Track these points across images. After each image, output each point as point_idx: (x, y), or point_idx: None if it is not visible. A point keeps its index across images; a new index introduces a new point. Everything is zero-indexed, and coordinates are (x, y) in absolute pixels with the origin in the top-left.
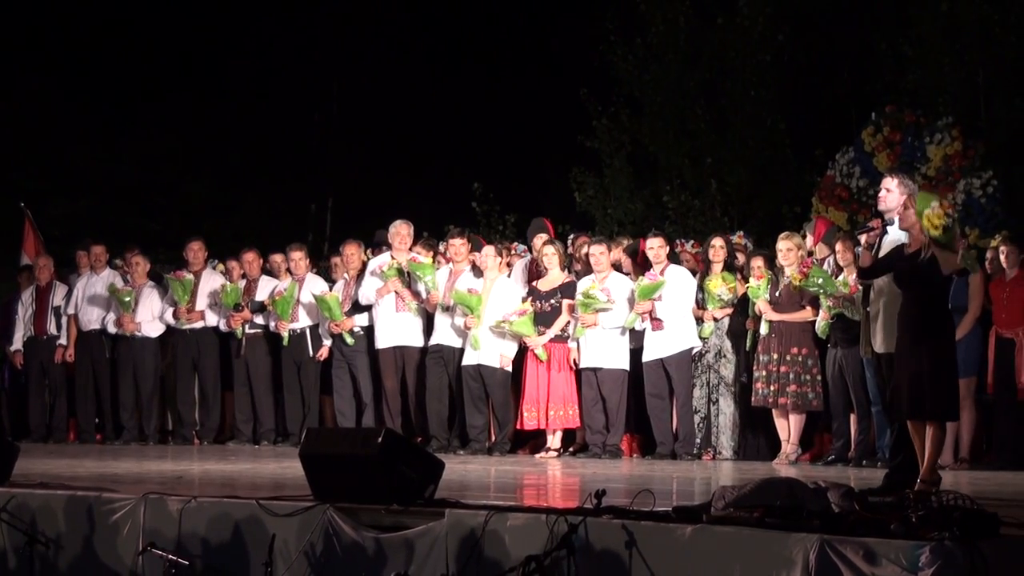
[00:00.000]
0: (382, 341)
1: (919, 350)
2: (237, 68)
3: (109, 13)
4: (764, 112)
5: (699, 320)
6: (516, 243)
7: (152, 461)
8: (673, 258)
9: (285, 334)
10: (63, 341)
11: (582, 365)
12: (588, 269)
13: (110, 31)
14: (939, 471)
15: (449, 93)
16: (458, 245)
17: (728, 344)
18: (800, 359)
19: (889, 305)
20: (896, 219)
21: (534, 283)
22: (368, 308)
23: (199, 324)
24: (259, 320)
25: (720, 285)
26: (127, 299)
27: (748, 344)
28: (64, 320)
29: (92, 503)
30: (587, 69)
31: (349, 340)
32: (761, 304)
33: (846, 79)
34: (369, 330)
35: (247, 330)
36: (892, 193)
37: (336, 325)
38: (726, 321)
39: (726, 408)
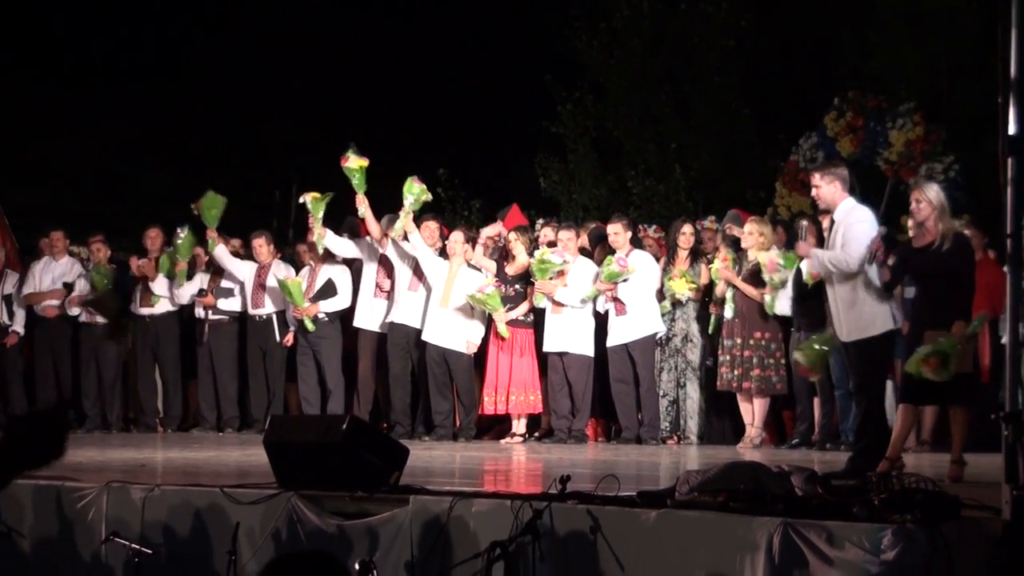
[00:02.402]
0: (361, 322)
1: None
2: (198, 54)
3: (70, 3)
4: (728, 97)
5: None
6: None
7: (115, 449)
8: (636, 243)
9: (308, 321)
10: (17, 328)
11: (547, 349)
12: None
13: (69, 19)
14: (902, 454)
15: (413, 79)
16: (433, 228)
17: (695, 328)
18: (763, 343)
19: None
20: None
21: (504, 266)
22: (335, 295)
23: (159, 310)
24: (224, 306)
25: (683, 287)
26: (105, 280)
27: (711, 327)
28: (15, 307)
29: (55, 492)
30: (551, 55)
31: (310, 326)
32: (725, 273)
33: (809, 64)
34: (340, 316)
35: (210, 316)
36: (821, 188)
37: (298, 311)
38: (693, 306)
39: (693, 392)
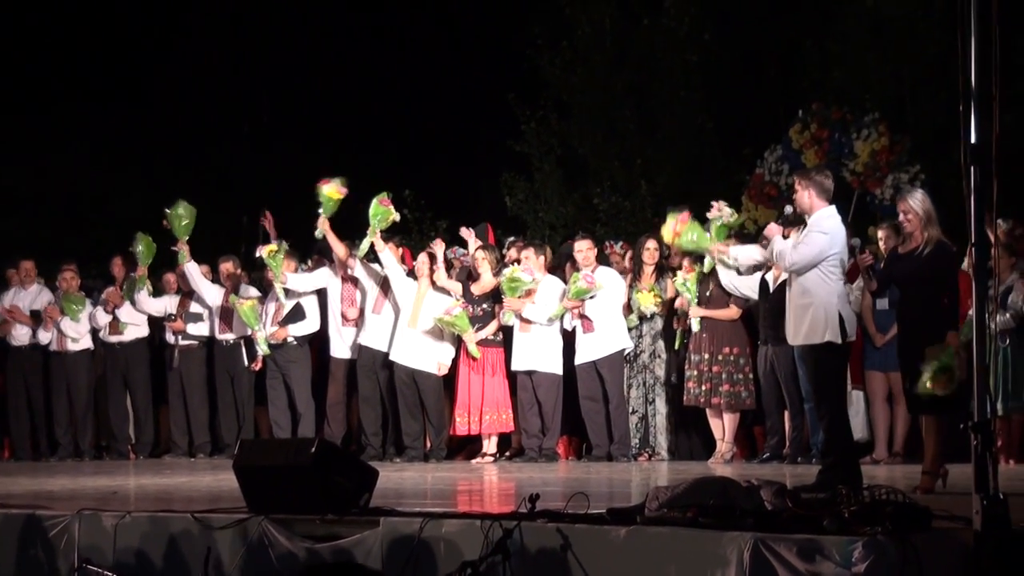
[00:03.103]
0: (335, 352)
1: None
2: (165, 80)
3: (34, 27)
4: (692, 112)
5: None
6: (455, 247)
7: (87, 477)
8: (602, 259)
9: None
10: None
11: (516, 368)
12: None
13: (34, 45)
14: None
15: (378, 100)
16: (394, 252)
17: (662, 344)
18: (732, 358)
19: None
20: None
21: (470, 286)
22: (304, 319)
23: (128, 338)
24: (193, 330)
25: (650, 301)
26: (75, 307)
27: (677, 343)
28: None
29: (27, 520)
30: (515, 73)
31: (264, 349)
32: (682, 302)
33: (773, 77)
34: (310, 339)
35: (180, 342)
36: (799, 194)
37: (254, 333)
38: (659, 321)
39: (662, 408)
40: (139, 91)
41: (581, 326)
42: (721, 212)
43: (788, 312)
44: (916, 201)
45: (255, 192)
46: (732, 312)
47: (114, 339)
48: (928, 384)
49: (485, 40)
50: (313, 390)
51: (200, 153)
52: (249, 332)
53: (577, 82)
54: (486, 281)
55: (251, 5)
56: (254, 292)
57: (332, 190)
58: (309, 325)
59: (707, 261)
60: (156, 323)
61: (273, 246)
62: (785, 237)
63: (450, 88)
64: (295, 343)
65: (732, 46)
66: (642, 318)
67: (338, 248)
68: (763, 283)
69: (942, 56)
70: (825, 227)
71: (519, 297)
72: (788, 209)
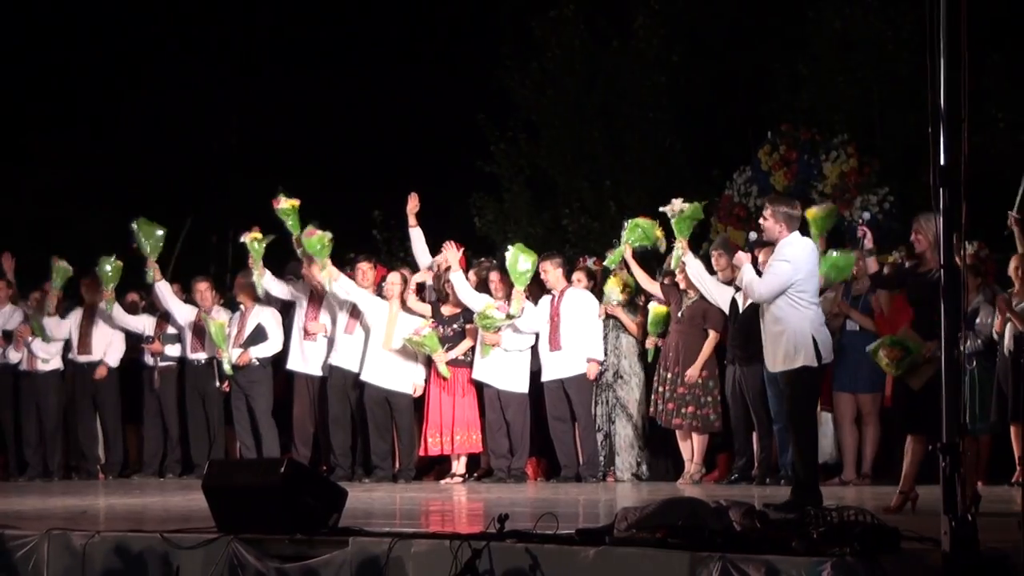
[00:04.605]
0: (294, 365)
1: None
2: (133, 100)
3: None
4: (661, 133)
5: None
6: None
7: (56, 497)
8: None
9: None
10: None
11: (476, 376)
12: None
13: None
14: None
15: (347, 121)
16: (366, 270)
17: (626, 364)
18: (700, 381)
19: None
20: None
21: (440, 306)
22: (266, 339)
23: (96, 357)
24: (169, 351)
25: (614, 286)
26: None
27: (650, 357)
28: None
29: None
30: (484, 94)
31: (227, 369)
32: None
33: (741, 99)
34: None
35: (159, 363)
36: (767, 222)
37: (220, 352)
38: (627, 342)
39: (622, 429)
40: (108, 113)
41: (548, 344)
42: (675, 209)
43: (764, 339)
44: (930, 224)
45: (224, 213)
46: (710, 341)
47: (83, 359)
48: (878, 349)
49: (454, 61)
50: (280, 408)
51: (168, 174)
52: (216, 352)
53: (547, 103)
54: (457, 301)
55: (222, 27)
56: (224, 315)
57: (284, 205)
58: (272, 346)
59: (675, 255)
60: (130, 343)
61: (257, 233)
62: (755, 257)
63: (419, 109)
64: (257, 364)
65: (701, 68)
66: (609, 316)
67: (314, 269)
68: (733, 303)
69: (911, 78)
70: (787, 255)
71: (494, 332)
72: (752, 235)
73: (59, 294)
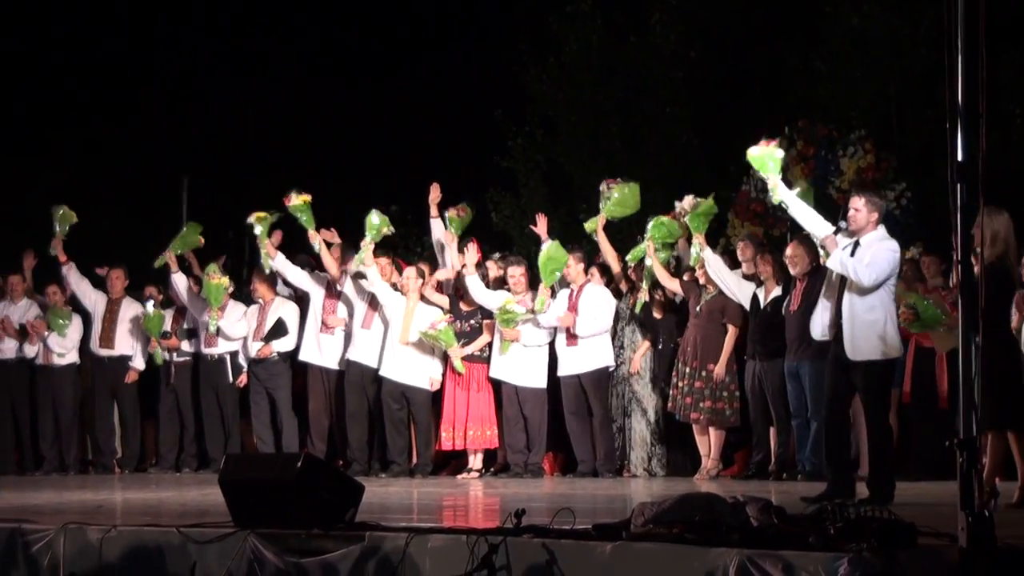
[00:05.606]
0: (308, 357)
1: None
2: (146, 95)
3: (11, 45)
4: (678, 129)
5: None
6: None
7: (72, 491)
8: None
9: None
10: None
11: (494, 375)
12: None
13: (12, 62)
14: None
15: (364, 116)
16: (384, 265)
17: (642, 359)
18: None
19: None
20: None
21: (459, 301)
22: (286, 334)
23: (117, 352)
24: (186, 347)
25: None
26: (62, 321)
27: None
28: None
29: (11, 535)
30: (501, 89)
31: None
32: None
33: (759, 95)
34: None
35: (176, 358)
36: (860, 212)
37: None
38: (641, 336)
39: (636, 424)
40: (121, 109)
41: (564, 339)
42: (684, 208)
43: (848, 327)
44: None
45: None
46: (730, 336)
47: (104, 352)
48: (907, 308)
49: (472, 57)
50: (297, 401)
51: (183, 169)
52: (207, 315)
53: (563, 99)
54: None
55: (237, 20)
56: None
57: (297, 202)
58: (292, 340)
59: (693, 251)
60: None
61: (262, 213)
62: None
63: (437, 104)
64: (277, 358)
65: (718, 63)
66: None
67: (329, 263)
68: (754, 298)
69: (929, 73)
70: (891, 245)
71: (514, 327)
72: (843, 225)
73: (63, 239)
